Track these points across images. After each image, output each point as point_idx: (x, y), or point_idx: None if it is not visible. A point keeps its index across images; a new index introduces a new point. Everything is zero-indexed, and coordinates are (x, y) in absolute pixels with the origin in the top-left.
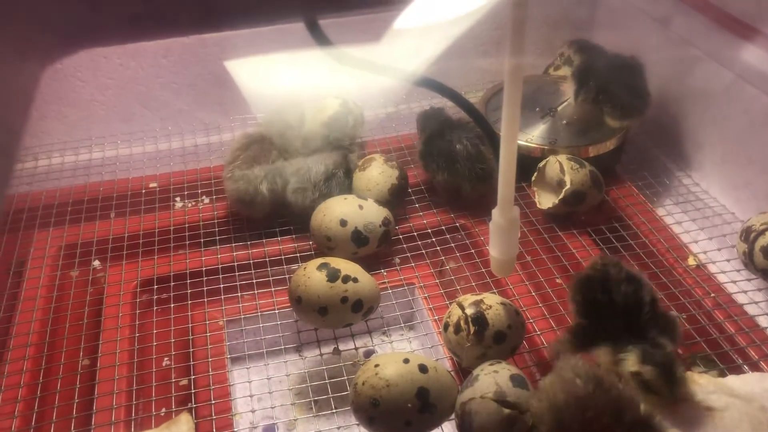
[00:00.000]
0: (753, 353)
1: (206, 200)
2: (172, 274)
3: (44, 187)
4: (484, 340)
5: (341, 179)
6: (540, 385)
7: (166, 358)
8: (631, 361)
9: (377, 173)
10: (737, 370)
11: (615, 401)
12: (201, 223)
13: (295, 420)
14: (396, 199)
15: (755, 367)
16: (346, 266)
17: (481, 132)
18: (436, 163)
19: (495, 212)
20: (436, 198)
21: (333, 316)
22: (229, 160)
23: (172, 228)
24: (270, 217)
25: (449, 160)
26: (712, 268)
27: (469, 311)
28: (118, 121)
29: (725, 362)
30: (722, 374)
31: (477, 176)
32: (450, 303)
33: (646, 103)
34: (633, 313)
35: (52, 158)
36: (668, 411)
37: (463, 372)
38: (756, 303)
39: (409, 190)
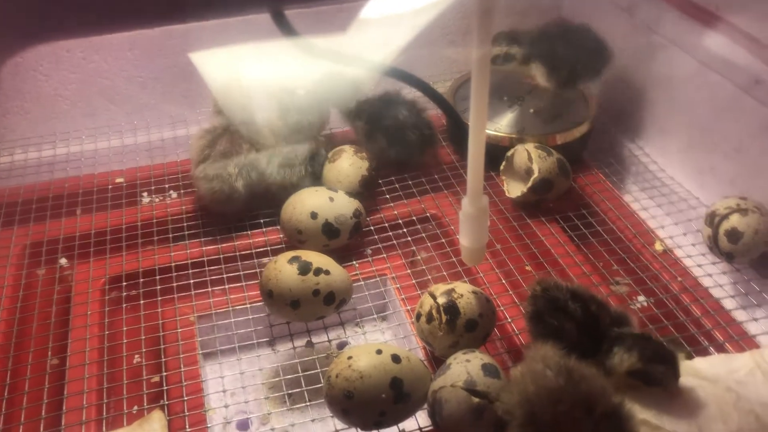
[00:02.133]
0: (719, 335)
1: (174, 195)
2: (140, 270)
3: (7, 185)
4: (456, 329)
5: (323, 157)
6: (511, 376)
7: (136, 356)
8: (628, 361)
9: (347, 165)
10: (704, 353)
11: (586, 393)
12: (169, 218)
13: (269, 414)
14: (366, 190)
15: (721, 349)
16: (318, 259)
17: (416, 100)
18: (386, 139)
19: (464, 201)
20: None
21: (305, 309)
22: (198, 159)
23: (139, 224)
24: (241, 211)
25: (397, 132)
26: (679, 253)
27: (441, 300)
28: (82, 115)
29: (692, 345)
30: (689, 357)
31: (426, 141)
32: (422, 293)
33: (609, 51)
34: (590, 326)
35: (14, 155)
36: (637, 394)
37: (436, 361)
38: (721, 286)
39: (380, 181)
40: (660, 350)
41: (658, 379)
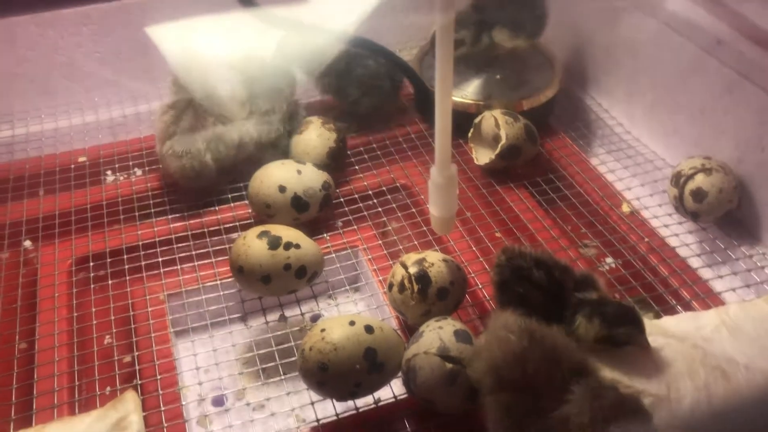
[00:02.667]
0: (685, 294)
1: (138, 172)
2: (108, 250)
3: None
4: (427, 298)
5: (303, 117)
6: (477, 345)
7: (107, 336)
8: (592, 330)
9: (315, 136)
10: (671, 311)
11: (551, 348)
12: (134, 196)
13: (243, 389)
14: (335, 162)
15: (688, 307)
16: (287, 233)
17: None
18: (359, 90)
19: (433, 171)
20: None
21: (277, 284)
22: (163, 136)
23: (104, 203)
24: (209, 187)
25: (369, 80)
26: (645, 214)
27: (412, 270)
28: (40, 94)
29: (660, 304)
30: (658, 316)
31: (397, 88)
32: (394, 263)
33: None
34: (555, 292)
35: None
36: (606, 355)
37: (410, 329)
38: (687, 245)
39: (348, 152)
40: (619, 311)
41: (624, 340)
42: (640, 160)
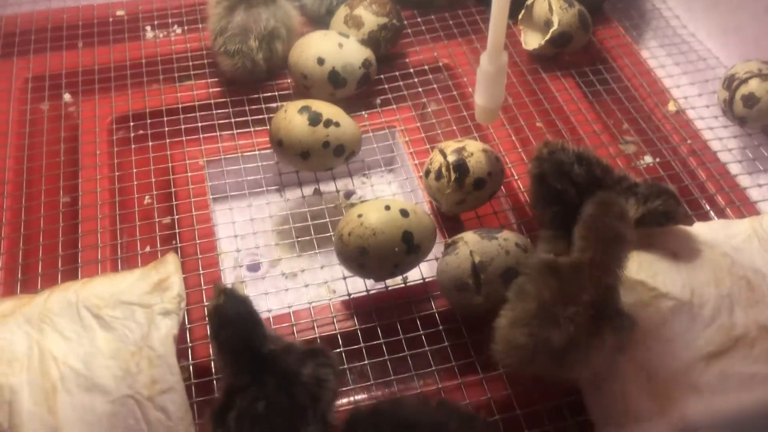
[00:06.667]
0: (721, 200)
1: (178, 30)
2: (147, 110)
3: (3, 13)
4: (464, 187)
5: None
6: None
7: (147, 197)
8: (630, 209)
9: (365, 12)
10: (704, 217)
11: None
12: (174, 56)
13: (279, 259)
14: (385, 41)
15: (722, 214)
16: (328, 109)
17: None
18: None
19: (483, 58)
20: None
21: (315, 160)
22: (215, 30)
23: (144, 60)
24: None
25: None
26: (691, 114)
27: (451, 158)
28: None
29: (694, 209)
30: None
31: None
32: (430, 147)
33: None
34: (593, 190)
35: None
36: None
37: (441, 216)
38: (729, 150)
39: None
40: (652, 188)
41: (663, 212)
42: (693, 57)
